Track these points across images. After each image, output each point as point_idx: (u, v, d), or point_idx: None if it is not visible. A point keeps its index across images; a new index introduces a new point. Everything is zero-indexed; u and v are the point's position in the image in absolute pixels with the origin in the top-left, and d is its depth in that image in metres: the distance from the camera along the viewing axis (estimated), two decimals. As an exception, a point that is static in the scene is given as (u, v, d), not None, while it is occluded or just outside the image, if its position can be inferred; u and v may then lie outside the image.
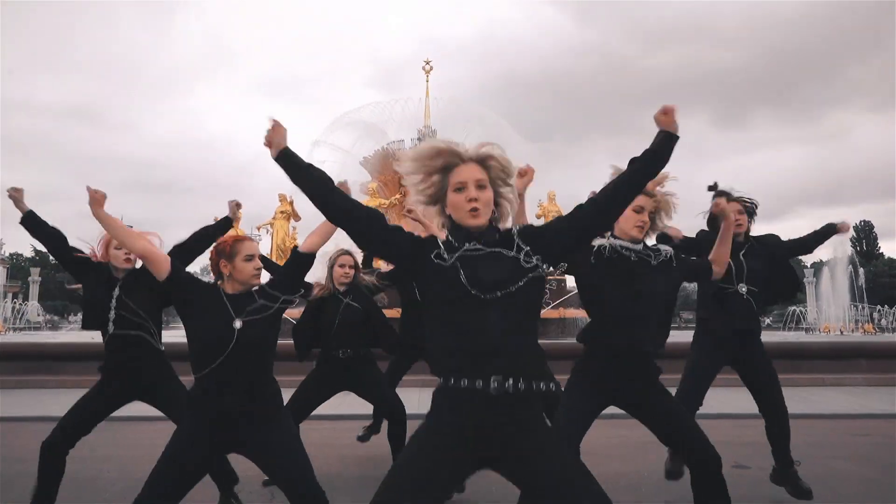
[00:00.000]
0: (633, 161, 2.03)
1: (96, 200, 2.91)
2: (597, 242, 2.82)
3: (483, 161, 1.94)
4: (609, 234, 2.85)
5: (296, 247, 2.91)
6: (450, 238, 1.94)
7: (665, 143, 2.02)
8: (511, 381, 1.78)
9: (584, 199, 2.08)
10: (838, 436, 5.88)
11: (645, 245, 2.85)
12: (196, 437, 2.57)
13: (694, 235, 3.81)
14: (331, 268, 4.41)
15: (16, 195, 3.45)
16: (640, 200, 2.74)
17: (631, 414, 2.80)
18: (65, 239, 3.54)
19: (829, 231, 4.03)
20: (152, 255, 2.67)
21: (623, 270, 2.75)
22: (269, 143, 2.03)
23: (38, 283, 44.05)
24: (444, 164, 1.94)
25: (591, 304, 2.88)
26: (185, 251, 3.61)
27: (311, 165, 2.03)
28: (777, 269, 3.86)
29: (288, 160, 2.02)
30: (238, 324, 2.57)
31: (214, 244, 2.81)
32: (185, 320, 2.64)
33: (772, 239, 3.96)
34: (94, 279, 3.46)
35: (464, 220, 1.92)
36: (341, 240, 2.69)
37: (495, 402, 1.78)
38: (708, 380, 3.65)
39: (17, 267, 60.35)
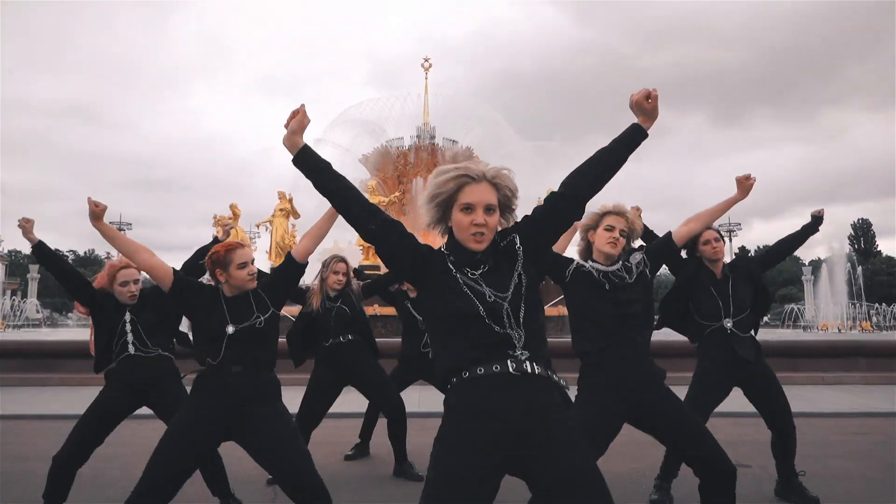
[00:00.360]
0: (601, 150, 2.02)
1: (96, 214, 2.93)
2: (576, 261, 2.93)
3: (495, 182, 1.89)
4: (588, 259, 2.96)
5: (290, 252, 3.01)
6: (450, 255, 1.90)
7: (637, 139, 2.01)
8: (528, 363, 1.79)
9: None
10: (838, 435, 5.89)
11: (622, 263, 2.92)
12: (201, 416, 2.67)
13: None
14: (324, 275, 4.46)
15: (26, 226, 3.48)
16: (611, 220, 2.89)
17: (644, 429, 2.82)
18: (73, 268, 3.62)
19: (808, 226, 4.07)
20: (156, 267, 2.79)
21: (603, 295, 2.83)
22: (288, 126, 1.97)
23: (37, 280, 44.01)
24: (455, 185, 1.89)
25: (578, 326, 2.94)
26: (188, 271, 3.62)
27: (328, 167, 1.98)
28: (757, 290, 3.85)
29: (306, 161, 1.97)
30: (230, 329, 2.72)
31: (209, 254, 2.89)
32: (191, 319, 2.83)
33: (743, 261, 3.96)
34: (104, 310, 3.50)
35: (466, 243, 1.88)
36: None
37: (515, 383, 1.77)
38: (713, 405, 3.64)
39: (17, 264, 60.31)
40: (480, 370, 1.78)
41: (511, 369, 1.77)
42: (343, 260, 4.49)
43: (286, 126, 1.96)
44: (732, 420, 5.99)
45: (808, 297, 40.35)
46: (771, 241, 4.13)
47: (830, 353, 10.04)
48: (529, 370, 1.78)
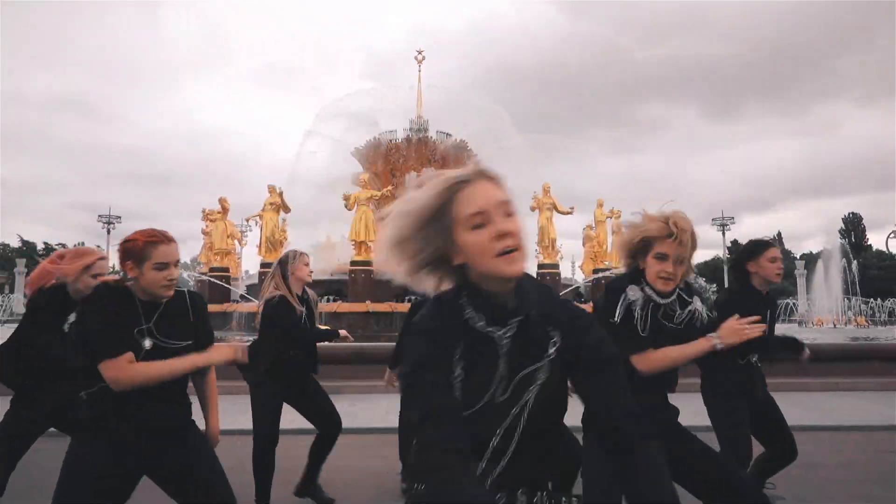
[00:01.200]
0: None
1: None
2: (630, 295, 2.29)
3: (494, 179, 1.25)
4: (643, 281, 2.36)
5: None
6: (467, 307, 1.26)
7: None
8: None
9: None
10: (868, 453, 5.44)
11: (677, 297, 2.35)
12: (98, 462, 2.12)
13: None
14: (292, 270, 3.78)
15: None
16: (665, 247, 2.23)
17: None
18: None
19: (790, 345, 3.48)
20: None
21: (650, 330, 2.28)
22: None
23: (25, 274, 43.30)
24: (447, 195, 1.22)
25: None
26: None
27: None
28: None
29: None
30: (148, 344, 2.18)
31: (125, 240, 2.29)
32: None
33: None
34: (40, 317, 3.03)
35: (496, 269, 1.20)
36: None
37: None
38: (746, 427, 3.21)
39: (4, 258, 59.37)
40: None
41: None
42: (305, 253, 3.92)
43: None
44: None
45: (801, 292, 40.19)
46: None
47: (843, 357, 9.65)
48: None
